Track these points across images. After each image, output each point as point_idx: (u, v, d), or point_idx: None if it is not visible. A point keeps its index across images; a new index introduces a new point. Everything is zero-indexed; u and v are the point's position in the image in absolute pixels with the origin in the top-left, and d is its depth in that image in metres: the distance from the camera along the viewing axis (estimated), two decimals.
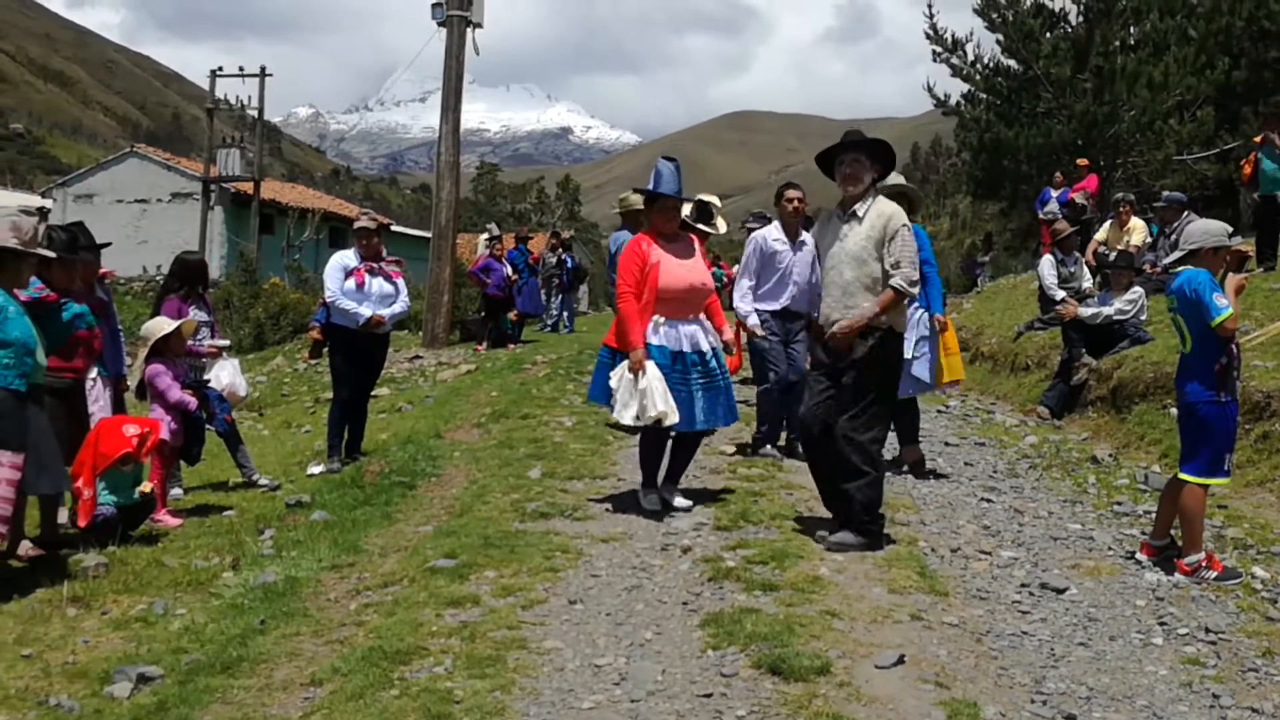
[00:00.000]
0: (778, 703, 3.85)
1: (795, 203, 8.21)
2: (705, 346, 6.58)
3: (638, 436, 6.94)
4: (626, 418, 6.35)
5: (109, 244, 8.03)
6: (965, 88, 25.78)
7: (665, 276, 6.47)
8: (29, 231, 6.00)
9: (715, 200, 8.94)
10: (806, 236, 8.11)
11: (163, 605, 5.46)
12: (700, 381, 6.52)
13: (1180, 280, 5.92)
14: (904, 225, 5.98)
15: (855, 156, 6.09)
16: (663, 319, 6.53)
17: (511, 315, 18.76)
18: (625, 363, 6.45)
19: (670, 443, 6.80)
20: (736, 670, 4.13)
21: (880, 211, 6.02)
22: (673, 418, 6.30)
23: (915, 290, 6.02)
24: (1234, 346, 5.84)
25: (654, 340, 6.50)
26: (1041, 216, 18.82)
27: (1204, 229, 6.07)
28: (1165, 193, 13.79)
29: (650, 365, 6.34)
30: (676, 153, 7.02)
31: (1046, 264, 12.43)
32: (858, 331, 5.88)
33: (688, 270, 6.56)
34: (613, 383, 6.52)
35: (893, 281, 5.89)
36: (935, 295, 8.10)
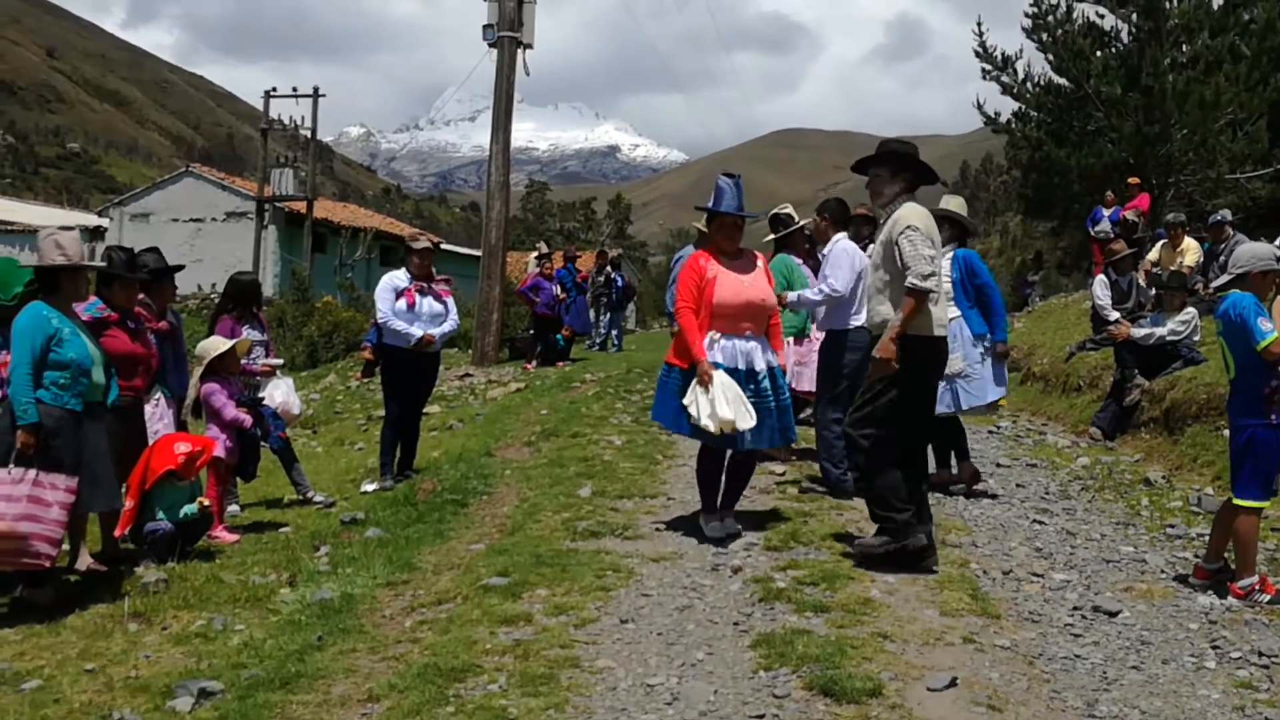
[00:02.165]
0: None
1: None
2: (760, 365, 6.50)
3: (693, 459, 6.97)
4: (712, 425, 6.16)
5: (182, 266, 8.21)
6: (1016, 105, 25.68)
7: (721, 291, 6.42)
8: (73, 245, 6.13)
9: (787, 207, 9.14)
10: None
11: (222, 621, 5.55)
12: (753, 401, 6.46)
13: (1226, 304, 5.89)
14: (908, 227, 5.87)
15: (875, 171, 6.15)
16: (719, 335, 6.47)
17: (564, 332, 18.88)
18: (696, 379, 6.31)
19: (728, 466, 6.81)
20: (789, 691, 4.15)
21: (894, 218, 6.00)
22: (743, 423, 6.18)
23: (927, 285, 5.77)
24: None
25: (710, 356, 6.42)
26: (1094, 235, 18.68)
27: (1252, 252, 6.01)
28: (1213, 214, 13.69)
29: (719, 373, 6.26)
30: (724, 170, 7.06)
31: (1100, 284, 12.34)
32: (893, 345, 5.80)
33: (745, 286, 6.49)
34: (686, 401, 6.33)
35: (905, 284, 5.80)
36: (998, 321, 7.95)
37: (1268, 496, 5.78)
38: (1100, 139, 23.20)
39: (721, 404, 6.16)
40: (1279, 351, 5.64)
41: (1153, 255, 14.20)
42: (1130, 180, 19.14)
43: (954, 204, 8.35)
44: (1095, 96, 22.97)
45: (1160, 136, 21.93)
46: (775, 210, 9.13)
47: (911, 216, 5.94)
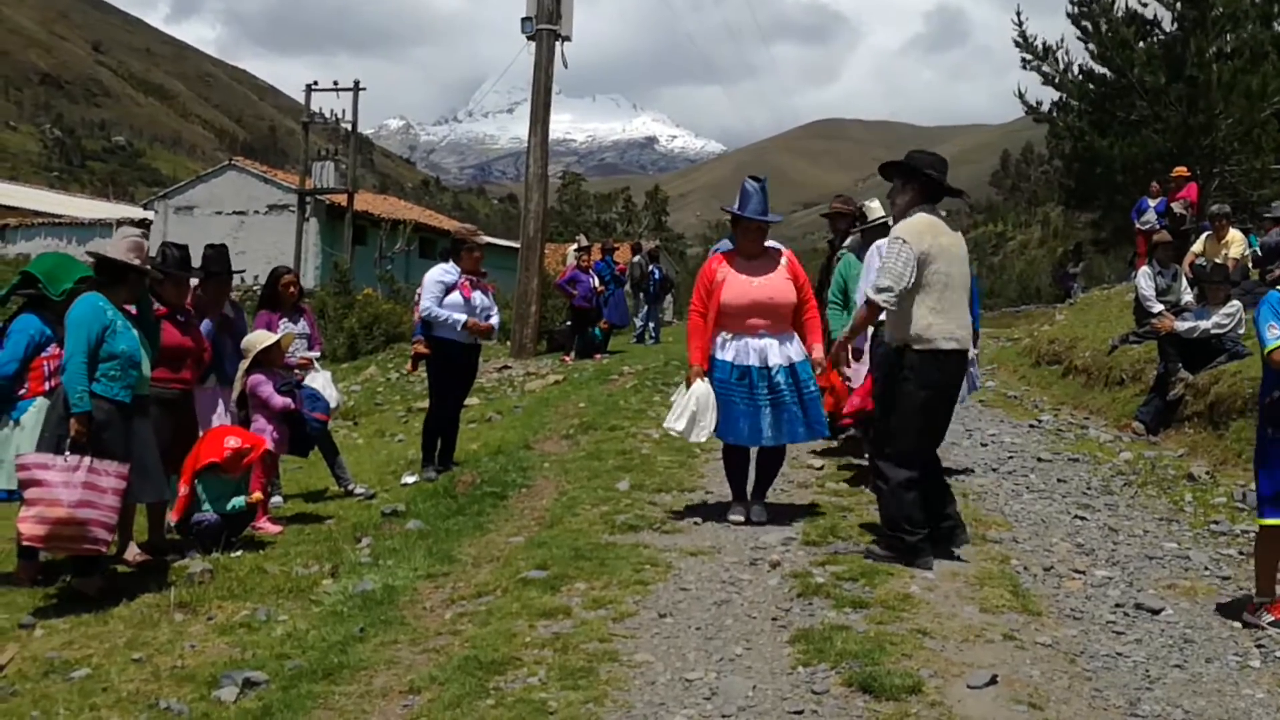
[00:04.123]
0: None
1: None
2: (775, 361, 6.60)
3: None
4: (665, 425, 6.80)
5: (242, 271, 8.41)
6: (1057, 95, 25.41)
7: (727, 293, 6.63)
8: (147, 251, 6.31)
9: (873, 204, 8.94)
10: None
11: (266, 611, 5.61)
12: (767, 397, 6.57)
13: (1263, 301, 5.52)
14: (894, 237, 5.88)
15: (894, 180, 6.17)
16: (730, 334, 6.67)
17: (602, 325, 18.95)
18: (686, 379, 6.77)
19: (755, 456, 6.87)
20: (827, 688, 4.14)
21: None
22: (693, 437, 6.64)
23: (878, 298, 5.80)
24: None
25: (721, 355, 6.65)
26: (1139, 227, 18.46)
27: None
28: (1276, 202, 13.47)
29: (698, 383, 6.58)
30: (762, 162, 7.07)
31: (1144, 276, 12.20)
32: (841, 346, 6.39)
33: (753, 287, 6.63)
34: (674, 397, 6.86)
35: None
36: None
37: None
38: (1144, 129, 22.92)
39: (683, 415, 6.59)
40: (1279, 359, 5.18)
41: (1197, 247, 14.00)
42: (1175, 171, 18.87)
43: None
44: (1138, 86, 22.70)
45: (1205, 127, 21.65)
46: (866, 208, 8.91)
47: (903, 228, 5.92)
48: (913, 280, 5.78)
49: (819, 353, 6.75)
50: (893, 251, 5.84)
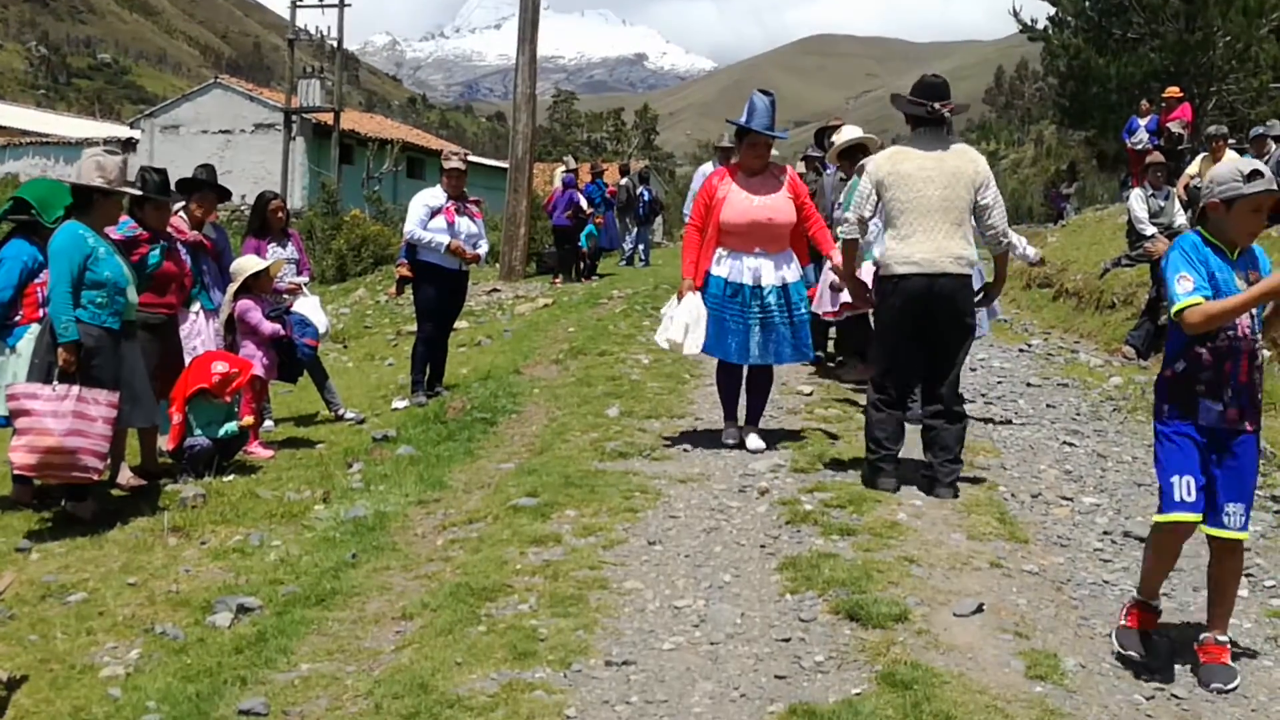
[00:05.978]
0: (855, 649, 3.90)
1: None
2: (769, 281, 6.59)
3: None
4: (659, 338, 6.82)
5: (227, 194, 8.43)
6: (1052, 10, 25.08)
7: (727, 210, 6.59)
8: (114, 170, 6.17)
9: (847, 128, 8.85)
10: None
11: (259, 537, 5.65)
12: (758, 316, 6.57)
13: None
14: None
15: None
16: (725, 251, 6.65)
17: (596, 220, 18.88)
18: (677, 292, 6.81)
19: (746, 381, 6.87)
20: (815, 615, 4.18)
21: None
22: (688, 349, 6.61)
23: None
24: (1207, 351, 3.97)
25: (716, 270, 6.65)
26: (1130, 145, 18.32)
27: (1214, 174, 4.05)
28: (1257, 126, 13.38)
29: (690, 296, 6.60)
30: (753, 78, 6.98)
31: (1137, 197, 12.12)
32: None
33: (753, 205, 6.57)
34: (664, 310, 6.92)
35: None
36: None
37: (1167, 506, 4.06)
38: (1140, 46, 22.67)
39: (674, 326, 6.62)
40: (1195, 322, 3.84)
41: (1193, 169, 13.90)
42: (1168, 92, 18.66)
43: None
44: (1135, 3, 22.40)
45: (1202, 44, 21.42)
46: (857, 139, 8.80)
47: (869, 159, 6.27)
48: (870, 209, 5.97)
49: (837, 258, 6.61)
50: (859, 184, 6.13)
